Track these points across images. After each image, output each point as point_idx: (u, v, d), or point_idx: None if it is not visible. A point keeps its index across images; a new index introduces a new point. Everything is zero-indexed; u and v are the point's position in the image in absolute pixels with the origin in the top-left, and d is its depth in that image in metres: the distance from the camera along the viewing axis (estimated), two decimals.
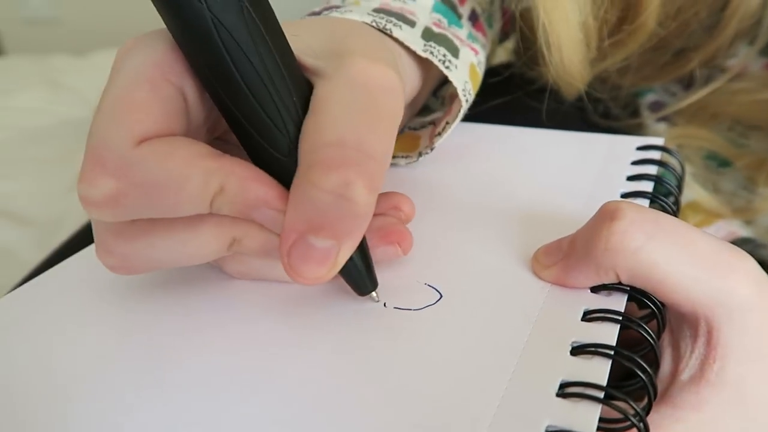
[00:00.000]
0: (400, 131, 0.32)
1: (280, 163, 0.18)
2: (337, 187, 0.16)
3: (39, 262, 0.36)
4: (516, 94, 0.36)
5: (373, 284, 0.20)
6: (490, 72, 0.37)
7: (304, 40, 0.19)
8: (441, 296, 0.20)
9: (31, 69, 1.26)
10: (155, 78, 0.17)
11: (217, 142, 0.21)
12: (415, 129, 0.32)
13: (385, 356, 0.18)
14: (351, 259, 0.19)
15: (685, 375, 0.19)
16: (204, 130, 0.20)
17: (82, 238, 0.36)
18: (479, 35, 0.34)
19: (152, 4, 0.17)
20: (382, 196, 0.22)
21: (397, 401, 0.17)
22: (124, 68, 0.17)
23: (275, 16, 0.18)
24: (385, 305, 0.20)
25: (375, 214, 0.21)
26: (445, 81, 0.33)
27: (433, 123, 0.31)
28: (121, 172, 0.16)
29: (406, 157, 0.29)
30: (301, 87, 0.18)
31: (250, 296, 0.21)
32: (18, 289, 0.23)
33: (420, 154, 0.29)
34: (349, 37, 0.20)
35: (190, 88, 0.18)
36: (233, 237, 0.19)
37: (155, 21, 0.17)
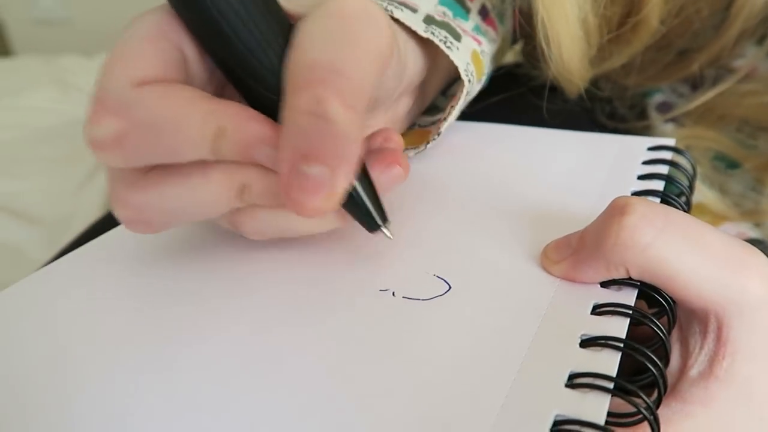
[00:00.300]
0: (410, 127, 0.32)
1: (274, 104, 0.18)
2: (310, 106, 0.16)
3: (46, 262, 0.36)
4: (520, 90, 0.36)
5: (382, 217, 0.20)
6: (497, 69, 0.37)
7: None
8: (450, 287, 0.20)
9: (40, 69, 1.26)
10: (153, 35, 0.18)
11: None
12: (424, 126, 0.32)
13: (393, 345, 0.18)
14: (354, 191, 0.19)
15: (694, 371, 0.19)
16: (210, 89, 0.20)
17: (91, 237, 0.37)
18: (489, 29, 0.34)
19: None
20: (369, 135, 0.22)
21: (405, 391, 0.17)
22: (127, 31, 0.18)
23: None
24: (393, 294, 0.20)
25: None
26: (452, 82, 0.33)
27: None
28: (122, 110, 0.17)
29: (415, 148, 0.29)
30: (285, 29, 0.19)
31: (257, 282, 0.21)
32: (27, 278, 0.23)
33: (427, 143, 0.29)
34: None
35: (188, 47, 0.19)
36: (242, 182, 0.19)
37: None
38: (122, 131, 0.17)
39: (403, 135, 0.31)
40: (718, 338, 0.18)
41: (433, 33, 0.26)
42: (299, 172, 0.17)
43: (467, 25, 0.31)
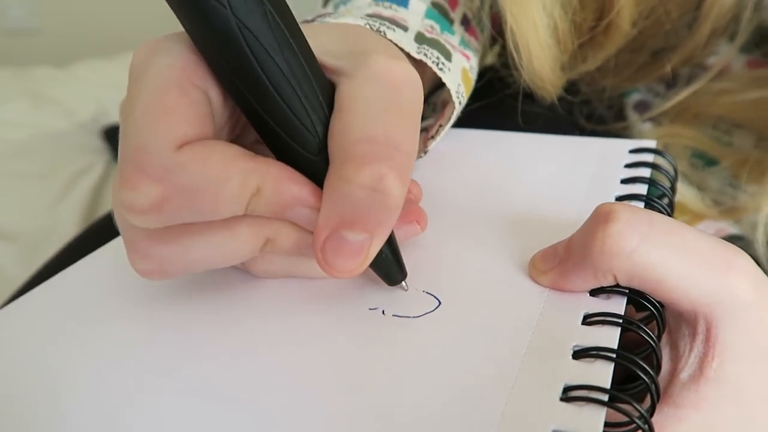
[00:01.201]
0: None
1: (310, 163, 0.18)
2: (371, 182, 0.17)
3: (29, 278, 0.36)
4: (499, 95, 0.36)
5: (402, 273, 0.21)
6: (479, 74, 0.37)
7: (321, 42, 0.20)
8: (440, 303, 0.20)
9: (11, 81, 1.24)
10: (183, 82, 0.17)
11: (236, 141, 0.21)
12: None
13: (385, 365, 0.18)
14: (382, 251, 0.19)
15: (684, 374, 0.19)
16: (226, 132, 0.20)
17: (69, 253, 0.36)
18: (472, 39, 0.34)
19: (133, 13, 0.17)
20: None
21: (399, 411, 0.16)
22: (149, 73, 0.17)
23: (295, 19, 0.18)
24: (383, 313, 0.20)
25: None
26: (434, 89, 0.33)
27: (425, 129, 0.31)
28: (164, 176, 0.17)
29: None
30: (325, 87, 0.18)
31: (246, 304, 0.21)
32: (19, 298, 0.22)
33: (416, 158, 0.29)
34: (360, 37, 0.21)
35: (213, 90, 0.18)
36: (267, 237, 0.19)
37: (139, 30, 0.17)
38: (164, 197, 0.17)
39: None
40: (707, 340, 0.18)
41: (425, 54, 0.27)
42: (338, 237, 0.17)
43: (454, 39, 0.31)
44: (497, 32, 0.36)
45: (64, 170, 0.88)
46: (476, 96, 0.34)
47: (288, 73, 0.17)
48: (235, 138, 0.21)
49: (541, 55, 0.32)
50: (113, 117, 1.07)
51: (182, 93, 0.17)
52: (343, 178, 0.17)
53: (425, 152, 0.29)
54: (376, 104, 0.18)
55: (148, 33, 0.21)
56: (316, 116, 0.18)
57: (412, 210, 0.22)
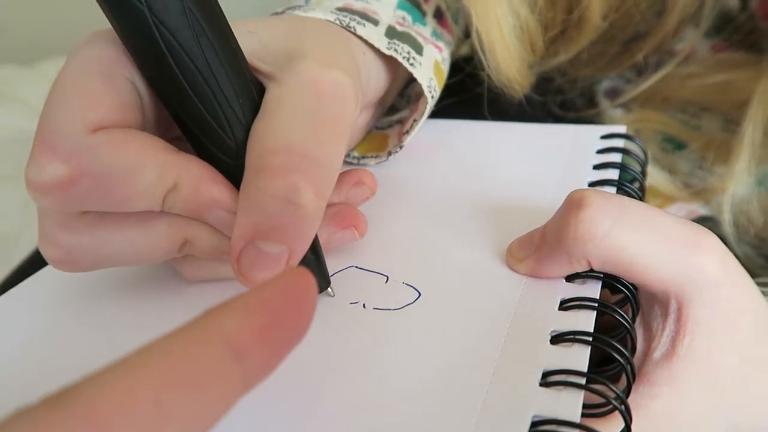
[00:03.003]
0: (369, 131, 0.32)
1: (229, 167, 0.18)
2: (285, 193, 0.16)
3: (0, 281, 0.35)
4: (473, 93, 0.36)
5: (326, 282, 0.20)
6: (454, 67, 0.37)
7: (260, 38, 0.19)
8: (420, 294, 0.20)
9: None
10: (108, 70, 0.17)
11: (174, 142, 0.21)
12: (382, 128, 0.32)
13: (367, 357, 0.18)
14: (303, 259, 0.19)
15: (657, 353, 0.19)
16: (162, 129, 0.19)
17: (41, 258, 0.35)
18: (445, 32, 0.34)
19: (98, 8, 0.17)
20: (345, 174, 0.22)
21: (382, 402, 0.16)
22: (75, 61, 0.17)
23: (224, 17, 0.17)
24: (364, 306, 0.20)
25: (334, 203, 0.21)
26: (410, 81, 0.33)
27: (401, 122, 0.31)
28: (73, 157, 0.16)
29: (376, 156, 0.29)
30: (249, 90, 0.18)
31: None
32: None
33: (389, 153, 0.29)
34: (305, 36, 0.20)
35: (141, 84, 0.17)
36: (185, 238, 0.18)
37: (102, 27, 0.17)
38: (70, 177, 0.16)
39: (362, 140, 0.31)
40: (679, 318, 0.19)
41: (396, 50, 0.26)
42: (255, 248, 0.17)
43: (426, 30, 0.31)
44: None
45: None
46: (451, 91, 0.34)
47: (207, 74, 0.17)
48: (173, 138, 0.20)
49: (507, 57, 0.32)
50: None
51: (105, 79, 0.17)
52: (258, 187, 0.16)
53: (400, 147, 0.29)
54: (300, 114, 0.17)
55: None
56: (236, 120, 0.17)
57: (349, 214, 0.21)
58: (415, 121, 0.28)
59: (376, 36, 0.26)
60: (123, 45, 0.17)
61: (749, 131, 0.30)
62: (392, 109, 0.33)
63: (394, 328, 0.19)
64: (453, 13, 0.36)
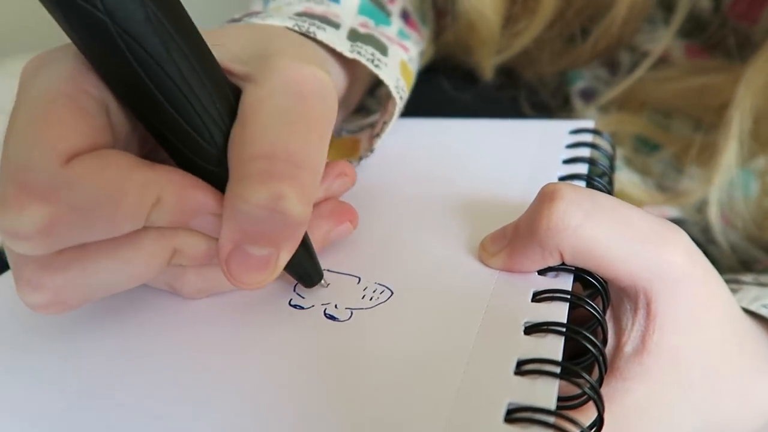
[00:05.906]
0: (337, 134, 0.31)
1: (212, 174, 0.17)
2: (269, 202, 0.16)
3: None
4: (448, 93, 0.36)
5: (318, 276, 0.20)
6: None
7: (227, 48, 0.19)
8: (392, 293, 0.20)
9: None
10: (72, 90, 0.16)
11: (150, 155, 0.20)
12: (354, 132, 0.31)
13: (341, 355, 0.18)
14: (294, 257, 0.18)
15: (628, 347, 0.19)
16: (134, 145, 0.19)
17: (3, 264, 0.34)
18: (412, 32, 0.34)
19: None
20: (326, 166, 0.22)
21: (358, 398, 0.16)
22: (35, 84, 0.16)
23: (190, 21, 0.17)
24: (336, 307, 0.20)
25: (318, 198, 0.21)
26: (380, 81, 0.33)
27: (372, 126, 0.31)
28: (52, 195, 0.15)
29: (348, 161, 0.29)
30: (225, 94, 0.17)
31: (196, 308, 0.20)
32: None
33: (361, 158, 0.29)
34: (271, 41, 0.20)
35: (109, 98, 0.17)
36: (174, 248, 0.18)
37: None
38: (54, 218, 0.15)
39: (332, 144, 0.30)
40: (648, 313, 0.19)
41: (359, 52, 0.26)
42: (243, 251, 0.17)
43: (391, 30, 0.31)
44: (444, 19, 0.36)
45: None
46: (419, 89, 0.34)
47: (179, 81, 0.16)
48: (148, 153, 0.19)
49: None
50: None
51: (71, 101, 0.16)
52: (241, 196, 0.16)
53: (371, 151, 0.28)
54: (280, 116, 0.17)
55: None
56: (214, 126, 0.17)
57: (344, 209, 0.22)
58: (385, 123, 0.28)
59: (338, 40, 0.26)
60: (84, 59, 0.16)
61: (736, 122, 0.30)
62: (363, 110, 0.33)
63: (367, 324, 0.19)
64: (420, 15, 0.36)
